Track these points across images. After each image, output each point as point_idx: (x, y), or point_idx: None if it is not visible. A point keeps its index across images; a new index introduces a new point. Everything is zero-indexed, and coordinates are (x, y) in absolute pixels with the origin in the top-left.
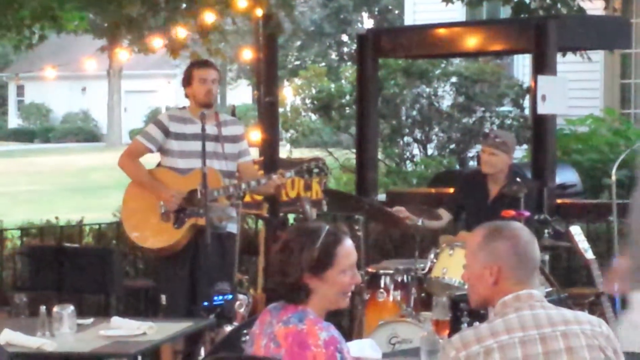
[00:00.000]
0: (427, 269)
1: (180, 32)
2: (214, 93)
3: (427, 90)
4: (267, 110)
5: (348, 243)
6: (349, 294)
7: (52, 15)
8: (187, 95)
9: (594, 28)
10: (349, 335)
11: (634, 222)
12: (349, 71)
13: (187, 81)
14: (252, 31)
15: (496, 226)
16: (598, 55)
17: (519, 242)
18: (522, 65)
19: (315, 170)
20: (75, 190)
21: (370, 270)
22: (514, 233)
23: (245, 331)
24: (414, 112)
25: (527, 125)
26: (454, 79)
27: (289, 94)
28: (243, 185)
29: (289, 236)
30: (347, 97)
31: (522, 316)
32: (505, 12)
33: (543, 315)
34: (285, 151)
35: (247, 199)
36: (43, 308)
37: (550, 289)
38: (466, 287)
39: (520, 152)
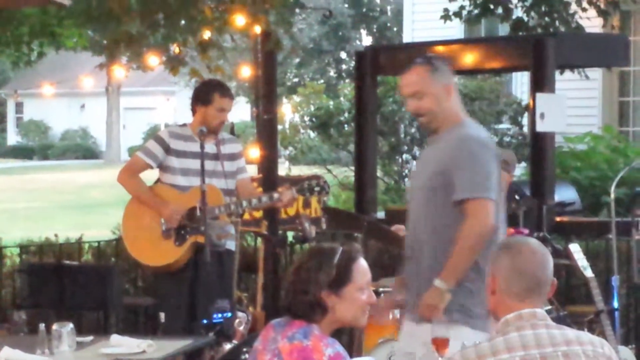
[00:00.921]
0: None
1: (178, 49)
2: (226, 123)
3: None
4: (266, 127)
5: (363, 261)
6: (367, 313)
7: (51, 32)
8: (194, 112)
9: (593, 46)
10: (348, 354)
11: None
12: (347, 88)
13: (203, 100)
14: (250, 48)
15: (508, 241)
16: (596, 73)
17: (519, 259)
18: (520, 82)
19: (317, 188)
20: (74, 208)
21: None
22: (519, 250)
23: (244, 349)
24: (413, 130)
25: (526, 143)
26: None
27: (288, 111)
28: (244, 203)
29: (305, 257)
30: (346, 115)
31: (524, 336)
32: (504, 29)
33: (545, 335)
34: (283, 168)
35: (246, 216)
36: (42, 326)
37: (549, 307)
38: None
39: (519, 170)
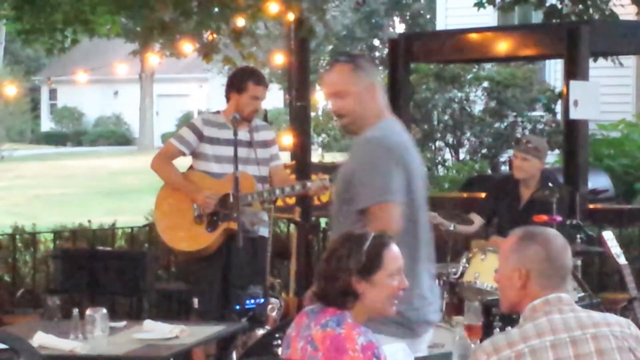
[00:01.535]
0: (459, 274)
1: (212, 36)
2: (259, 110)
3: (459, 94)
4: (299, 114)
5: (394, 247)
6: (396, 301)
7: (85, 20)
8: (228, 99)
9: (627, 33)
10: None
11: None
12: (380, 75)
13: (237, 88)
14: (284, 35)
15: (530, 231)
16: (630, 61)
17: (551, 248)
18: (554, 70)
19: None
20: (107, 194)
21: None
22: (547, 238)
23: (277, 335)
24: (446, 117)
25: (559, 131)
26: (485, 84)
27: (321, 98)
28: (277, 191)
29: (336, 244)
30: None
31: (552, 320)
32: (537, 17)
33: (572, 319)
34: (316, 155)
35: (279, 203)
36: (76, 311)
37: (582, 294)
38: (498, 291)
39: (553, 157)
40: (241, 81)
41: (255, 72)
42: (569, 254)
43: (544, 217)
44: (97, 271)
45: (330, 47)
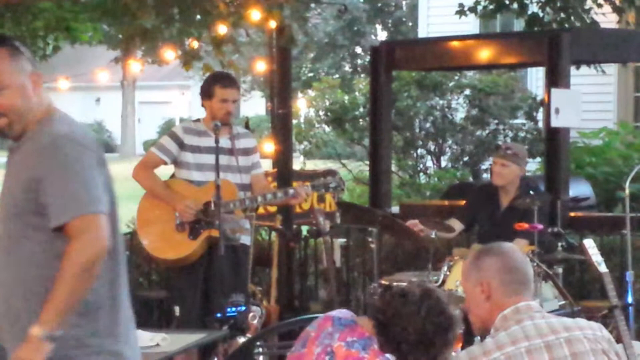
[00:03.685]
0: (440, 281)
1: (194, 43)
2: (233, 112)
3: (441, 102)
4: (281, 121)
5: None
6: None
7: (66, 27)
8: (204, 106)
9: (608, 41)
10: None
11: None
12: (362, 83)
13: (206, 95)
14: (265, 43)
15: (483, 248)
16: (612, 69)
17: (505, 257)
18: (535, 78)
19: (332, 185)
20: None
21: (383, 282)
22: (501, 250)
23: (258, 343)
24: (428, 125)
25: (541, 138)
26: (467, 92)
27: (303, 106)
28: (259, 199)
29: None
30: (361, 109)
31: (525, 327)
32: (519, 24)
33: (544, 324)
34: (298, 163)
35: (261, 210)
36: None
37: (563, 302)
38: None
39: (534, 165)
40: (209, 87)
41: (222, 75)
42: (528, 262)
43: (525, 225)
44: None
45: (312, 55)
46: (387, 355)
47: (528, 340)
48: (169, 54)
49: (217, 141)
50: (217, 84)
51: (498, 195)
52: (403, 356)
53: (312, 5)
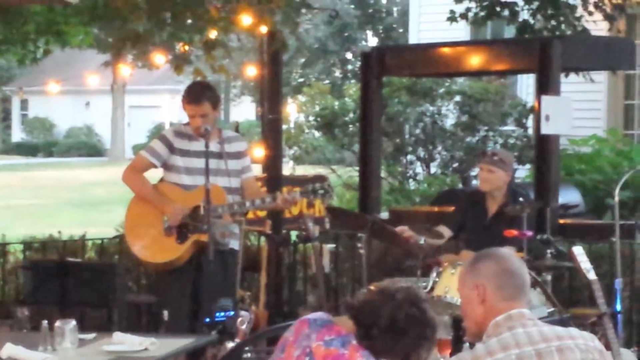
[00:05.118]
0: (429, 288)
1: (184, 47)
2: (205, 124)
3: (431, 108)
4: (271, 127)
5: None
6: None
7: (57, 30)
8: None
9: (598, 49)
10: None
11: None
12: (352, 89)
13: (183, 107)
14: (256, 48)
15: (480, 253)
16: (602, 76)
17: (502, 261)
18: (526, 85)
19: (321, 191)
20: (78, 205)
21: (372, 288)
22: (498, 255)
23: (247, 348)
24: (418, 131)
25: (531, 145)
26: (457, 98)
27: (293, 111)
28: (247, 204)
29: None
30: (351, 115)
31: (516, 334)
32: (510, 32)
33: (536, 332)
34: (288, 168)
35: (250, 215)
36: (45, 322)
37: (552, 309)
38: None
39: (523, 172)
40: (182, 100)
41: (188, 90)
42: (523, 267)
43: (514, 232)
44: (67, 283)
45: (302, 60)
46: (365, 351)
47: (519, 347)
48: (159, 58)
49: (207, 145)
50: (184, 99)
51: (485, 201)
52: (372, 343)
53: (303, 10)
